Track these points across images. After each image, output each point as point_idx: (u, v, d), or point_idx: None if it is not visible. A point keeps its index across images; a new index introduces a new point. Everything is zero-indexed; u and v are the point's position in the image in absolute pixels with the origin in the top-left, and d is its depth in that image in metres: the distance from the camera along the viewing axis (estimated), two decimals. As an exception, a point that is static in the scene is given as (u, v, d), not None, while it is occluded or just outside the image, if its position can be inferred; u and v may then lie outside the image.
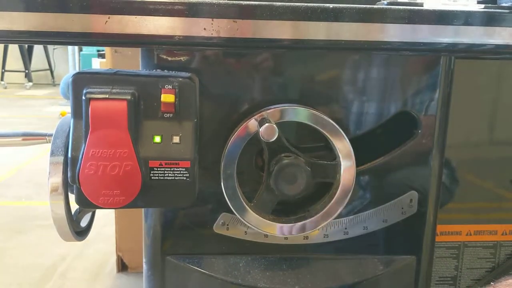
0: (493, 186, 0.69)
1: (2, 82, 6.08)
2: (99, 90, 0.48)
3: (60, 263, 1.66)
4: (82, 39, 0.48)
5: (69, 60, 6.16)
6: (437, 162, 0.62)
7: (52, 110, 4.50)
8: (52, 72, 6.45)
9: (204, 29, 0.48)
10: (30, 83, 6.11)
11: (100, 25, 0.46)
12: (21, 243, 1.81)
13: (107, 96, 0.48)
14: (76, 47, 5.83)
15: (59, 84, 4.98)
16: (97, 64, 4.36)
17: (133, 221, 1.45)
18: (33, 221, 1.97)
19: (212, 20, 0.47)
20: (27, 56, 6.05)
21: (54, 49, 6.36)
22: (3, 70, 6.06)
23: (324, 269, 0.63)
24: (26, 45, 6.03)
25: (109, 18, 0.46)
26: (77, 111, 0.49)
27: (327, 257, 0.63)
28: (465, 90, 0.64)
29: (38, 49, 6.26)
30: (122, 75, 0.50)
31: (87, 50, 5.27)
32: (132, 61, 1.26)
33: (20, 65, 6.10)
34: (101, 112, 0.48)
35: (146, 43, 0.49)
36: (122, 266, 1.59)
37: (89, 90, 0.48)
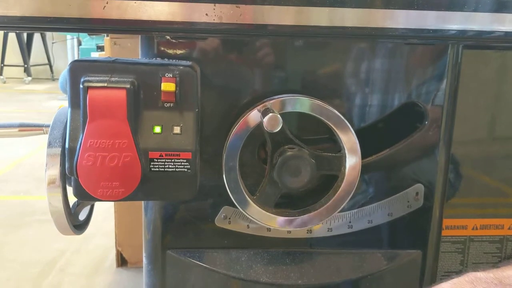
0: (500, 180, 0.68)
1: (1, 77, 6.07)
2: (97, 78, 0.46)
3: (59, 258, 1.65)
4: (79, 25, 0.46)
5: (68, 55, 6.14)
6: (444, 155, 0.61)
7: (51, 105, 4.49)
8: (51, 67, 6.44)
9: (206, 14, 0.46)
10: (29, 78, 6.09)
11: (98, 10, 0.45)
12: (20, 238, 1.80)
13: (105, 84, 0.46)
14: (75, 41, 5.82)
15: (58, 79, 4.96)
16: (96, 59, 4.33)
17: (133, 216, 1.44)
18: (32, 216, 1.96)
19: (214, 5, 0.46)
20: (26, 50, 6.03)
21: (53, 43, 6.33)
22: (2, 65, 6.05)
23: (328, 263, 0.62)
24: (25, 39, 6.01)
25: (107, 3, 0.45)
26: (75, 101, 0.48)
27: (331, 251, 0.62)
28: (473, 82, 0.63)
29: (37, 44, 6.24)
30: (121, 63, 0.48)
31: (86, 44, 5.25)
32: (132, 53, 1.24)
33: (19, 60, 6.08)
34: (99, 101, 0.46)
35: (146, 29, 0.48)
36: (122, 261, 1.59)
37: (87, 78, 0.46)
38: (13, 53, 6.03)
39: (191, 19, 0.46)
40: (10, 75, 6.14)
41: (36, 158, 2.78)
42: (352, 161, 0.55)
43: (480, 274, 0.44)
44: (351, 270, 0.62)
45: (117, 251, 1.57)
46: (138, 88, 0.48)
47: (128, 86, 0.47)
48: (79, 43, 5.68)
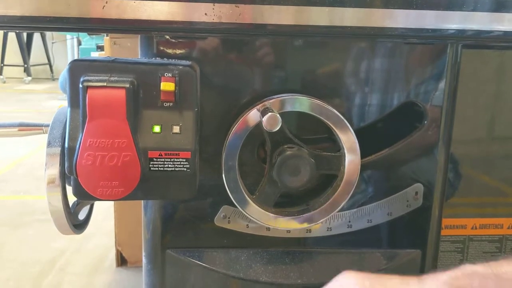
0: (499, 179, 0.68)
1: (1, 77, 6.06)
2: (96, 78, 0.46)
3: (59, 257, 1.65)
4: (79, 24, 0.46)
5: (68, 54, 6.14)
6: (443, 154, 0.61)
7: (51, 105, 4.49)
8: (51, 67, 6.43)
9: (205, 14, 0.46)
10: (29, 78, 6.09)
11: (97, 10, 0.45)
12: (20, 238, 1.80)
13: (105, 84, 0.46)
14: (75, 41, 5.81)
15: (58, 79, 4.96)
16: (96, 58, 4.33)
17: (132, 215, 1.44)
18: (32, 216, 1.96)
19: (214, 5, 0.46)
20: (26, 50, 6.03)
21: (53, 43, 6.33)
22: (2, 65, 6.04)
23: (327, 263, 0.62)
24: (25, 39, 6.01)
25: (107, 2, 0.45)
26: (74, 100, 0.48)
27: (330, 251, 0.62)
28: (472, 82, 0.63)
29: (36, 43, 6.24)
30: (121, 63, 0.48)
31: (86, 43, 5.25)
32: (131, 52, 1.24)
33: (19, 60, 6.08)
34: (99, 101, 0.46)
35: (145, 29, 0.48)
36: (122, 260, 1.59)
37: (86, 78, 0.46)
38: (13, 53, 6.03)
39: (191, 18, 0.47)
40: (10, 75, 6.14)
41: (35, 158, 2.78)
42: (351, 160, 0.55)
43: (478, 268, 0.44)
44: (351, 269, 0.62)
45: (117, 251, 1.57)
46: (138, 87, 0.48)
47: (127, 85, 0.47)
48: (79, 43, 5.67)
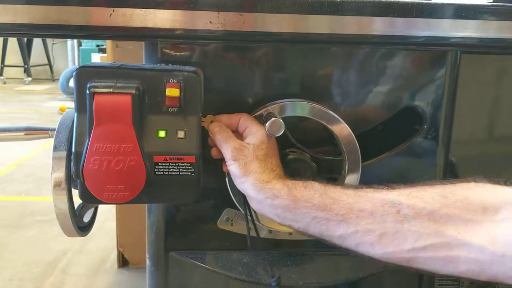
0: (497, 182, 0.69)
1: (1, 77, 6.06)
2: (103, 84, 0.47)
3: (61, 258, 1.66)
4: (86, 32, 0.47)
5: (68, 55, 6.14)
6: (442, 158, 0.61)
7: (51, 105, 4.49)
8: (51, 67, 6.43)
9: (210, 22, 0.47)
10: (29, 78, 6.09)
11: (104, 18, 0.46)
12: (22, 239, 1.81)
13: (111, 90, 0.47)
14: (76, 42, 5.81)
15: (58, 79, 4.96)
16: (97, 59, 4.34)
17: (134, 217, 1.45)
18: (33, 217, 1.97)
19: (218, 13, 0.47)
20: (26, 51, 6.03)
21: (53, 44, 6.33)
22: (2, 65, 6.04)
23: (328, 265, 0.63)
24: (25, 40, 6.01)
25: (113, 11, 0.46)
26: (81, 106, 0.49)
27: (331, 253, 0.63)
28: (471, 86, 0.64)
29: (37, 44, 6.24)
30: (127, 69, 0.49)
31: (86, 44, 5.25)
32: (134, 55, 1.25)
33: (19, 60, 6.08)
34: (105, 106, 0.47)
35: (151, 36, 0.49)
36: (123, 262, 1.59)
37: (93, 84, 0.47)
38: (13, 54, 6.03)
39: (196, 26, 0.47)
40: (10, 76, 6.14)
41: (37, 159, 2.78)
42: (352, 164, 0.56)
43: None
44: (351, 271, 0.63)
45: (119, 252, 1.57)
46: (143, 93, 0.49)
47: (133, 91, 0.47)
48: (79, 44, 5.68)
